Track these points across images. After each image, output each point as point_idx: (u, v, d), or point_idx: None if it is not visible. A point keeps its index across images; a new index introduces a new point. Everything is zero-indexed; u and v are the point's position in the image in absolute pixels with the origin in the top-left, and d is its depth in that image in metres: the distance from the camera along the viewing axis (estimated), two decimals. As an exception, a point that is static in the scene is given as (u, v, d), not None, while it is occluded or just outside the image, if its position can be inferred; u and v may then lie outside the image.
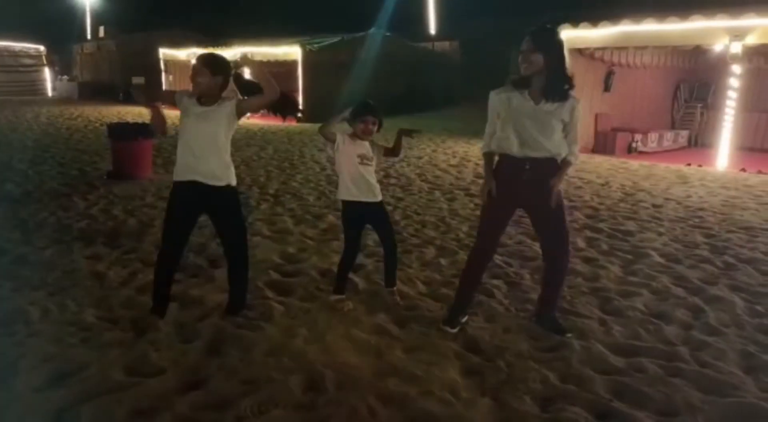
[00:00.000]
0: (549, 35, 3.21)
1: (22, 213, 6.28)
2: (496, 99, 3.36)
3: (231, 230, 3.72)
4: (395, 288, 4.06)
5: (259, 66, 3.53)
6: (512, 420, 2.70)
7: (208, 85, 3.45)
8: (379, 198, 3.87)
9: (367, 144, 3.80)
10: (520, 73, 3.25)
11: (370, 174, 3.80)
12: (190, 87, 3.53)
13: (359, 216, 3.86)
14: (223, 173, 3.53)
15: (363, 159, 3.76)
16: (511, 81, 3.33)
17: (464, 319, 3.66)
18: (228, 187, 3.57)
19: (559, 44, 3.24)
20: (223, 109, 3.48)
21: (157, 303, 3.67)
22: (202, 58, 3.49)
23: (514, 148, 3.31)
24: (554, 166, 3.37)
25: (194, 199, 3.55)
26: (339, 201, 3.94)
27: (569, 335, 3.51)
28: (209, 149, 3.47)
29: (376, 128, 3.76)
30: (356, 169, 3.75)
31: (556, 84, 3.21)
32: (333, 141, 3.78)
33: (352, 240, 3.94)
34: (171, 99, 3.60)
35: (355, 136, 3.78)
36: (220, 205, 3.61)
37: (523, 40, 3.19)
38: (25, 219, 6.05)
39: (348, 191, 3.80)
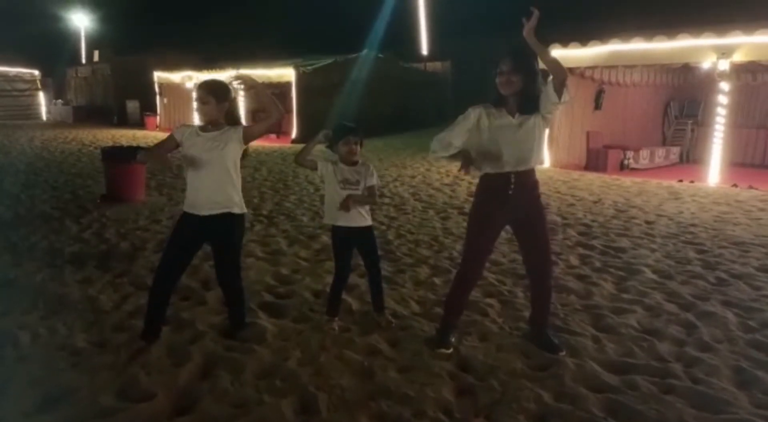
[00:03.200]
0: (528, 57, 3.29)
1: (13, 237, 6.26)
2: (470, 114, 3.39)
3: (231, 253, 3.70)
4: (385, 310, 4.04)
5: (262, 87, 3.57)
6: (506, 440, 2.68)
7: (214, 113, 3.47)
8: (368, 222, 3.84)
9: (350, 168, 3.74)
10: (497, 93, 3.33)
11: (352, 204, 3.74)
12: (184, 110, 3.55)
13: (347, 239, 3.85)
14: (239, 199, 3.59)
15: (345, 184, 3.72)
16: (490, 101, 3.40)
17: (452, 339, 3.65)
18: (242, 214, 3.63)
19: (536, 65, 3.32)
20: (230, 135, 3.48)
21: (150, 327, 3.66)
22: (207, 87, 3.48)
23: (498, 165, 3.37)
24: (534, 176, 3.47)
25: (203, 229, 3.54)
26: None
27: (562, 353, 3.51)
28: (223, 178, 3.49)
29: (359, 147, 3.73)
30: (339, 194, 3.72)
31: (531, 101, 3.32)
32: (314, 169, 3.79)
33: (342, 262, 3.93)
34: (174, 145, 3.58)
35: (338, 161, 3.75)
36: (227, 231, 3.60)
37: (501, 61, 3.27)
38: (16, 243, 6.02)
39: (332, 216, 3.80)
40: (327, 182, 3.81)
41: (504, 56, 3.27)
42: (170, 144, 3.59)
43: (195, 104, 3.56)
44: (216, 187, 3.49)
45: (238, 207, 3.59)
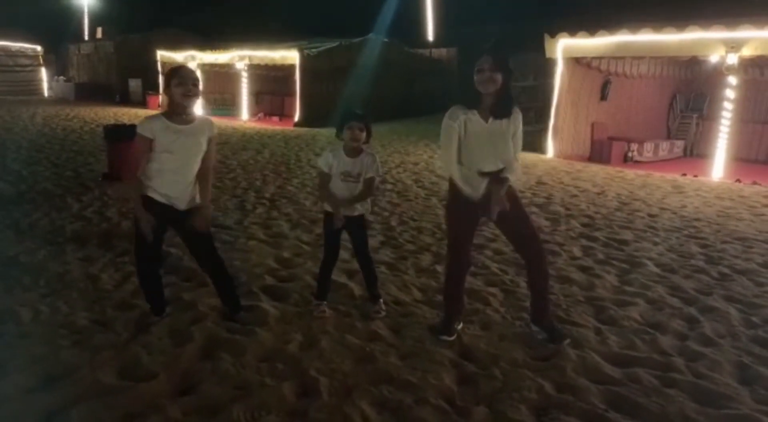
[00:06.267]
0: (505, 55, 3.26)
1: (15, 214, 6.24)
2: (454, 125, 3.32)
3: (203, 239, 3.60)
4: (381, 299, 4.01)
5: None
6: (507, 430, 2.68)
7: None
8: (361, 211, 3.82)
9: (354, 161, 3.68)
10: (473, 93, 3.27)
11: (348, 189, 3.72)
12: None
13: (339, 228, 3.81)
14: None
15: (346, 176, 3.69)
16: (462, 101, 3.35)
17: (459, 326, 3.65)
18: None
19: (509, 64, 3.28)
20: (203, 128, 3.41)
21: (154, 306, 3.68)
22: (193, 75, 3.34)
23: (470, 166, 3.37)
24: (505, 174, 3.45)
25: (168, 215, 3.45)
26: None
27: (567, 342, 3.51)
28: (195, 163, 3.44)
29: (363, 134, 3.65)
30: (338, 186, 3.71)
31: (506, 102, 3.31)
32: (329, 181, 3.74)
33: (331, 247, 3.94)
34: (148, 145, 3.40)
35: (343, 152, 3.69)
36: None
37: (481, 59, 3.20)
38: (18, 220, 6.00)
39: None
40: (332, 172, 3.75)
41: (483, 54, 3.21)
42: (146, 147, 3.41)
43: (179, 88, 3.25)
44: (192, 185, 3.45)
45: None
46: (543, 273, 3.60)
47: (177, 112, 3.34)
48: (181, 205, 3.43)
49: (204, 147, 3.42)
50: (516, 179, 3.40)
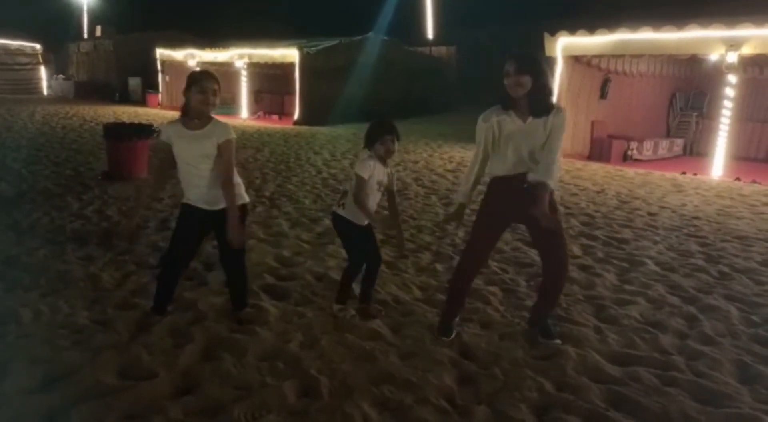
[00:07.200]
0: (533, 58, 3.24)
1: (15, 214, 6.23)
2: (485, 126, 3.32)
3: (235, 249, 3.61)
4: (370, 300, 3.98)
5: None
6: (508, 429, 2.68)
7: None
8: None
9: (384, 170, 3.66)
10: (506, 95, 3.24)
11: (377, 199, 3.72)
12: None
13: (364, 232, 3.78)
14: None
15: (380, 186, 3.67)
16: (499, 102, 3.31)
17: (457, 322, 3.66)
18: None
19: (543, 65, 3.26)
20: (213, 133, 3.35)
21: (158, 306, 3.69)
22: (216, 79, 3.35)
23: (510, 168, 3.31)
24: None
25: (206, 218, 3.50)
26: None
27: (558, 341, 3.52)
28: (205, 169, 3.42)
29: (395, 145, 3.62)
30: (375, 194, 3.66)
31: (542, 101, 3.23)
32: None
33: (362, 252, 3.83)
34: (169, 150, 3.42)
35: (377, 160, 3.63)
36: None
37: (506, 63, 3.18)
38: (18, 220, 6.00)
39: (358, 215, 3.67)
40: (370, 181, 3.62)
41: (508, 57, 3.18)
42: (168, 152, 3.43)
43: (199, 95, 3.26)
44: (215, 186, 3.42)
45: (240, 199, 3.52)
46: (559, 285, 3.56)
47: (191, 116, 3.36)
48: (207, 206, 3.45)
49: (211, 152, 3.34)
50: (554, 183, 3.26)
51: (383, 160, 3.65)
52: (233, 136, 3.40)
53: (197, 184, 3.42)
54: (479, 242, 3.55)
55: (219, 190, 3.40)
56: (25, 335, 3.43)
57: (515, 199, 3.33)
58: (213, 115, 3.41)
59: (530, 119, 3.24)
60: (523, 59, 3.18)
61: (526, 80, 3.15)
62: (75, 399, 2.76)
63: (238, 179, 3.50)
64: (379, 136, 3.57)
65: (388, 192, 3.76)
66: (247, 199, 3.61)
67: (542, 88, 3.21)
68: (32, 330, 3.49)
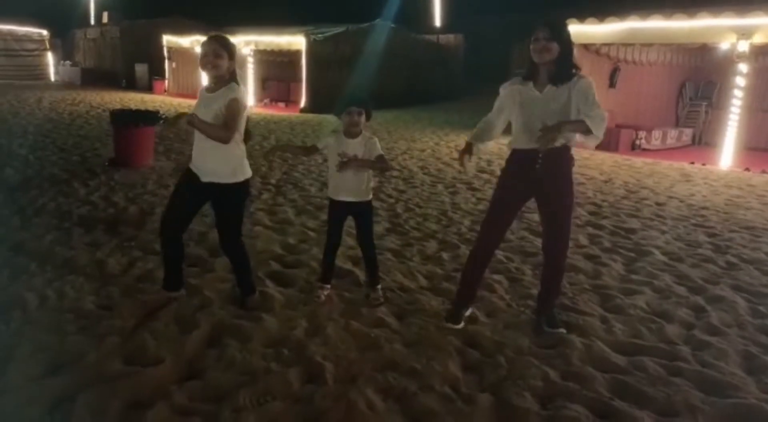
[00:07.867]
0: (563, 25, 3.24)
1: (22, 199, 6.25)
2: (503, 93, 3.40)
3: (227, 220, 3.67)
4: (379, 286, 4.00)
5: (199, 123, 3.33)
6: (513, 418, 2.68)
7: (225, 68, 3.35)
8: (366, 198, 3.79)
9: (352, 142, 3.68)
10: (529, 64, 3.24)
11: (355, 173, 3.70)
12: (192, 74, 3.44)
13: (343, 212, 3.84)
14: (233, 168, 3.54)
15: (344, 157, 3.67)
16: (520, 73, 3.33)
17: (468, 313, 3.65)
18: (236, 183, 3.57)
19: (569, 34, 3.24)
20: (220, 96, 3.36)
21: (169, 281, 3.76)
22: (221, 39, 3.37)
23: (526, 141, 3.27)
24: (567, 154, 3.32)
25: (203, 190, 3.53)
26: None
27: (563, 330, 3.51)
28: (211, 143, 3.43)
29: (362, 118, 3.65)
30: (335, 163, 3.70)
31: (564, 69, 3.21)
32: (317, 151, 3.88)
33: (335, 232, 3.93)
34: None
35: (341, 132, 3.71)
36: (222, 199, 3.59)
37: (536, 29, 3.17)
38: (25, 206, 6.01)
39: (335, 190, 3.80)
40: (329, 155, 3.78)
41: (540, 24, 3.17)
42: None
43: (202, 59, 3.33)
44: (211, 154, 3.42)
45: (232, 176, 3.50)
46: (555, 271, 3.54)
47: (209, 81, 3.44)
48: (203, 176, 3.47)
49: (219, 113, 3.33)
50: (597, 134, 3.12)
51: (352, 133, 3.67)
52: (240, 96, 3.38)
53: (202, 146, 3.45)
54: (492, 222, 3.53)
55: (222, 162, 3.43)
56: (31, 321, 3.44)
57: (530, 173, 3.31)
58: (238, 83, 3.40)
59: (548, 88, 3.22)
60: (555, 26, 3.17)
61: (554, 47, 3.14)
62: (81, 385, 2.76)
63: (242, 147, 3.53)
64: (345, 107, 3.64)
65: (377, 157, 3.72)
66: (249, 173, 3.64)
67: (568, 56, 3.21)
68: (38, 316, 3.50)
